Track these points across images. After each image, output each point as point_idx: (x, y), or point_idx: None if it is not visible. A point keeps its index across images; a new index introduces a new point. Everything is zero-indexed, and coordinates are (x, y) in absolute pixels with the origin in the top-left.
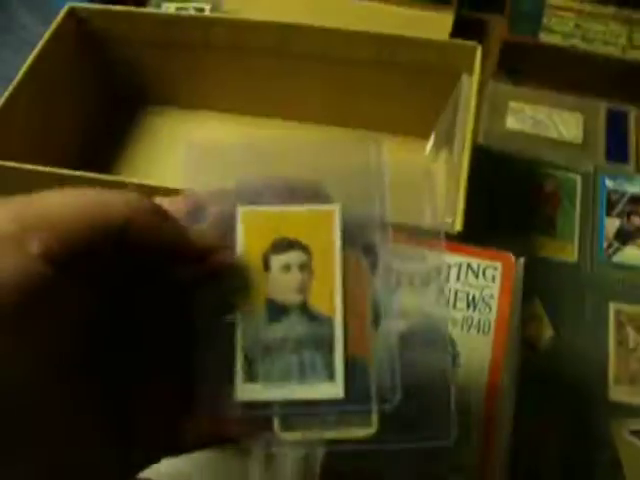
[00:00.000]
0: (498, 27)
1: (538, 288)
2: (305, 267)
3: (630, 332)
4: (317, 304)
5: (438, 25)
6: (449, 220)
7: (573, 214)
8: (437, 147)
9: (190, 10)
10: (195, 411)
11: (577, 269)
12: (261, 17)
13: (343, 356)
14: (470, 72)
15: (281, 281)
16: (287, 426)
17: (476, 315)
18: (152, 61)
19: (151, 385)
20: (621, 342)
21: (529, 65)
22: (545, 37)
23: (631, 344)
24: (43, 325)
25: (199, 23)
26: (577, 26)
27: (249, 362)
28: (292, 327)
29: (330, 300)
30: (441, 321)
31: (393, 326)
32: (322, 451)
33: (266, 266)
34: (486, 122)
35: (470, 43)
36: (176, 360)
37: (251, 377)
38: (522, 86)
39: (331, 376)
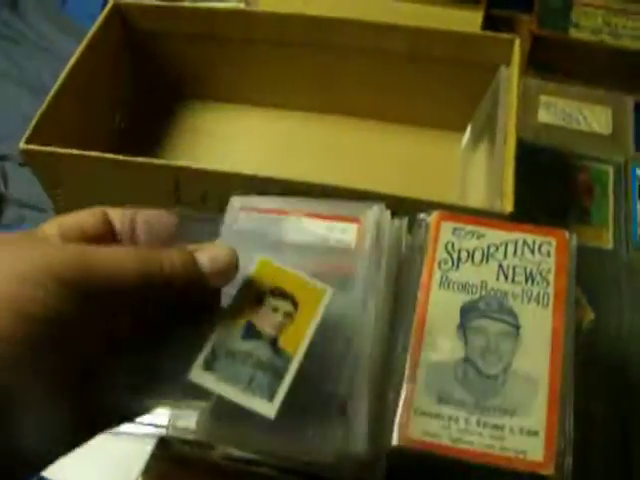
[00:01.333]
0: (527, 23)
1: (577, 274)
2: (289, 315)
3: None
4: (285, 344)
5: (467, 23)
6: (498, 203)
7: (607, 203)
8: (474, 139)
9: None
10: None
11: (613, 255)
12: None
13: (288, 389)
14: (507, 64)
15: (267, 315)
16: (206, 367)
17: (535, 288)
18: (193, 55)
19: None
20: None
21: (559, 60)
22: (574, 33)
23: None
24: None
25: (239, 17)
26: (605, 22)
27: (213, 356)
28: (258, 349)
29: (296, 345)
30: (502, 294)
31: None
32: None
33: (260, 301)
34: (519, 116)
35: (507, 35)
36: None
37: (209, 367)
38: (552, 81)
39: (271, 398)
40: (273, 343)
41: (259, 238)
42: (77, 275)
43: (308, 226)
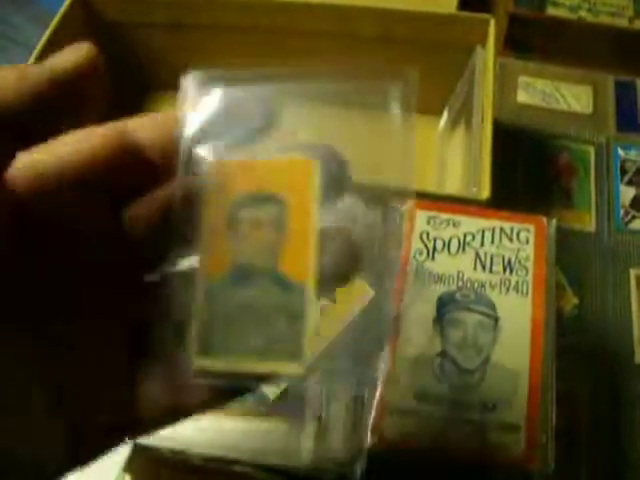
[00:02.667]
0: (502, 3)
1: (559, 258)
2: (279, 226)
3: None
4: (289, 267)
5: (442, 4)
6: (474, 189)
7: (588, 184)
8: (452, 122)
9: None
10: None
11: (596, 238)
12: None
13: (313, 330)
14: (483, 45)
15: (250, 240)
16: (204, 349)
17: (513, 277)
18: (159, 45)
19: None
20: None
21: (536, 39)
22: (551, 10)
23: None
24: None
25: (204, 4)
26: None
27: (206, 331)
28: (258, 293)
29: (304, 262)
30: (479, 284)
31: None
32: (370, 421)
33: (233, 221)
34: (497, 97)
35: (482, 15)
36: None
37: (207, 348)
38: (530, 60)
39: (296, 353)
40: (274, 275)
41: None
42: None
43: None
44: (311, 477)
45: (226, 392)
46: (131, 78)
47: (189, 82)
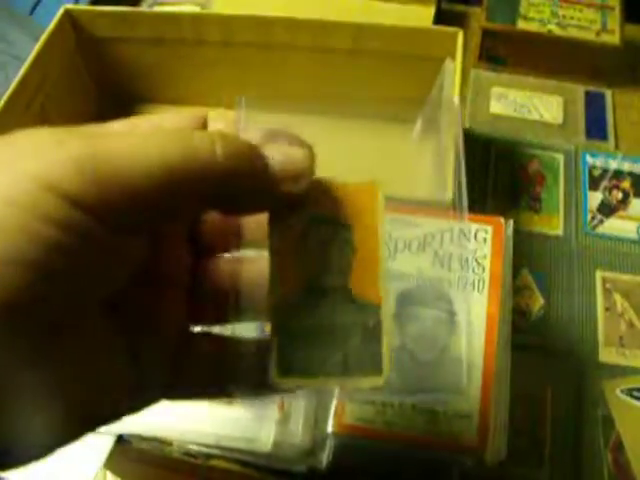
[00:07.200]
0: (476, 17)
1: (527, 261)
2: (347, 244)
3: (617, 298)
4: (359, 288)
5: (419, 19)
6: (441, 194)
7: (557, 190)
8: (424, 131)
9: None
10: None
11: (563, 241)
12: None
13: (388, 344)
14: (453, 57)
15: (321, 260)
16: (285, 371)
17: (471, 275)
18: (147, 60)
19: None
20: (608, 308)
21: (509, 52)
22: (522, 24)
23: (618, 309)
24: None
25: (188, 20)
26: (552, 13)
27: (283, 353)
28: (334, 313)
29: (375, 285)
30: (438, 281)
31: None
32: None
33: (303, 241)
34: (471, 108)
35: (451, 29)
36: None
37: (287, 370)
38: (503, 72)
39: (378, 369)
40: (347, 295)
41: None
42: (87, 187)
43: None
44: (282, 469)
45: None
46: (117, 91)
47: (240, 107)
